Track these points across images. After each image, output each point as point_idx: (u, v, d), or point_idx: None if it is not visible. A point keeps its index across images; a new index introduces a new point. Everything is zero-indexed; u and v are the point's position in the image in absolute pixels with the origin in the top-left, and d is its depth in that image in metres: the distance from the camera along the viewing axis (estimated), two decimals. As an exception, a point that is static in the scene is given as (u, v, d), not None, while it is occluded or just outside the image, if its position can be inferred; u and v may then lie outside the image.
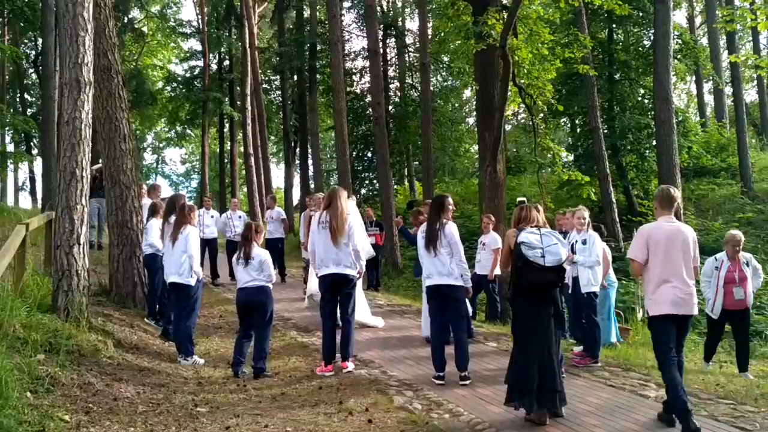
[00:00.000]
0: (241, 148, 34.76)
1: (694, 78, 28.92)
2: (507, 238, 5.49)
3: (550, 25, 14.04)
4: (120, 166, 9.31)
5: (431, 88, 21.90)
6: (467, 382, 6.43)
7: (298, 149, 32.45)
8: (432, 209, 6.69)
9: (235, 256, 7.14)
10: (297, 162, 33.07)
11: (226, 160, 37.36)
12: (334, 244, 6.87)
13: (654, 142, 18.90)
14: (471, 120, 36.22)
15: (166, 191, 33.41)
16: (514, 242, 5.29)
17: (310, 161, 30.82)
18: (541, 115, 15.56)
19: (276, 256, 13.89)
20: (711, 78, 25.49)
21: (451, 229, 6.60)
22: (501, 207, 11.68)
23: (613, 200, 16.98)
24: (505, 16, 11.09)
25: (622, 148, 18.92)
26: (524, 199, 6.92)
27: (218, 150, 40.16)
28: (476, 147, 38.33)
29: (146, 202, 10.13)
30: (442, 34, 18.47)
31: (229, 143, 35.60)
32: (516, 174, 26.32)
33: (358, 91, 30.16)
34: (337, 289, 6.99)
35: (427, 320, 8.43)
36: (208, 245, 13.42)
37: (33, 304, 6.91)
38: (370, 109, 29.10)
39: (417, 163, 31.37)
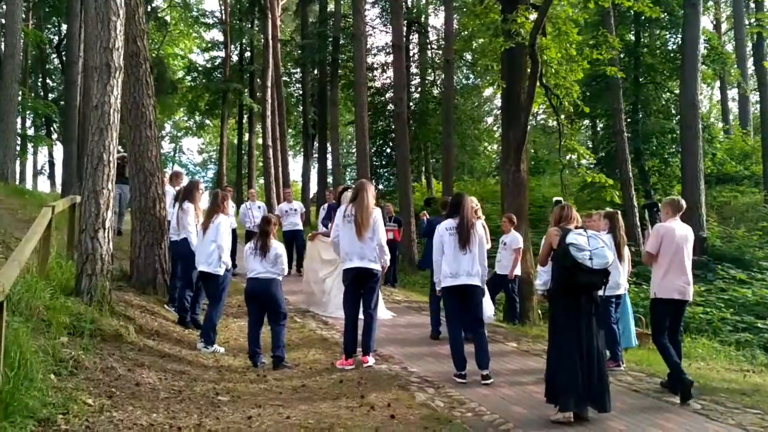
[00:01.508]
0: (259, 140, 34.90)
1: (718, 84, 28.59)
2: (548, 236, 5.44)
3: (577, 25, 13.89)
4: (145, 153, 9.31)
5: (453, 86, 21.76)
6: (489, 381, 6.38)
7: (315, 143, 32.43)
8: (463, 208, 6.63)
9: (250, 246, 7.13)
10: (315, 155, 33.06)
11: (243, 151, 37.40)
12: (359, 237, 6.83)
13: (677, 148, 18.73)
14: (490, 119, 36.19)
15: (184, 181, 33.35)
16: (557, 241, 5.24)
17: (328, 155, 30.75)
18: (563, 116, 15.41)
19: (298, 248, 13.90)
20: (736, 84, 25.20)
21: (482, 229, 6.59)
22: (524, 206, 11.59)
23: (635, 204, 16.82)
24: (535, 15, 11.00)
25: (645, 152, 18.73)
26: (561, 198, 6.85)
27: (236, 141, 40.30)
28: (495, 146, 38.27)
29: (168, 189, 10.13)
30: (469, 31, 18.34)
31: (247, 134, 35.64)
32: (534, 174, 26.19)
33: (378, 85, 30.02)
34: (360, 282, 6.95)
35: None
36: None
37: (57, 287, 6.93)
38: (390, 105, 29.08)
39: (434, 160, 31.31)
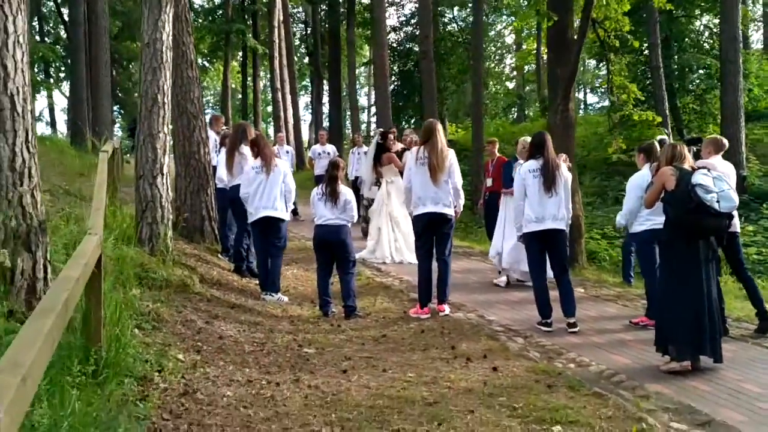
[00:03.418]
0: (263, 83, 34.02)
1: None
2: (661, 176, 5.06)
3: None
4: (187, 94, 8.88)
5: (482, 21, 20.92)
6: (576, 329, 6.12)
7: (325, 85, 31.60)
8: (546, 148, 6.26)
9: (317, 191, 6.78)
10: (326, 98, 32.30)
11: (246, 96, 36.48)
12: (434, 181, 6.47)
13: (712, 84, 18.17)
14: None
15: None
16: (673, 182, 4.88)
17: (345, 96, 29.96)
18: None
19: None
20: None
21: (567, 170, 6.24)
22: (572, 147, 11.16)
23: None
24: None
25: (680, 88, 18.15)
26: (665, 137, 6.44)
27: (240, 85, 39.21)
28: (509, 85, 37.46)
29: (210, 134, 9.70)
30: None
31: (251, 78, 34.60)
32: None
33: (394, 23, 29.08)
34: (434, 228, 6.62)
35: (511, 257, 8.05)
36: None
37: (118, 236, 6.62)
38: (408, 44, 28.25)
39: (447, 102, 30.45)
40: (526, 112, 37.41)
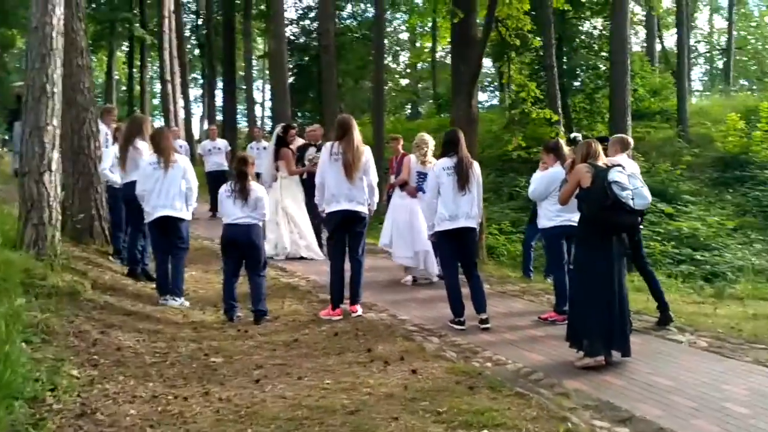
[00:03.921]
0: (150, 74, 32.43)
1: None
2: (576, 173, 5.08)
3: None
4: (77, 84, 8.22)
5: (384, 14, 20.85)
6: (488, 325, 6.11)
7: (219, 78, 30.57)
8: (459, 145, 6.24)
9: (226, 188, 6.43)
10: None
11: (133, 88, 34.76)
12: (348, 178, 6.26)
13: (600, 84, 18.96)
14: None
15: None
16: (588, 179, 4.91)
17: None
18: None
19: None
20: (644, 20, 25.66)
21: (478, 168, 6.31)
22: (475, 143, 11.26)
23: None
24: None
25: (570, 88, 18.84)
26: (578, 134, 6.52)
27: (125, 77, 37.24)
28: (403, 82, 37.75)
29: (100, 127, 9.04)
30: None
31: (138, 69, 32.96)
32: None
33: (294, 17, 28.58)
34: (347, 226, 6.41)
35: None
36: None
37: (-4, 239, 6.01)
38: (305, 38, 27.83)
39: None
40: (420, 109, 37.93)
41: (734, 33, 34.08)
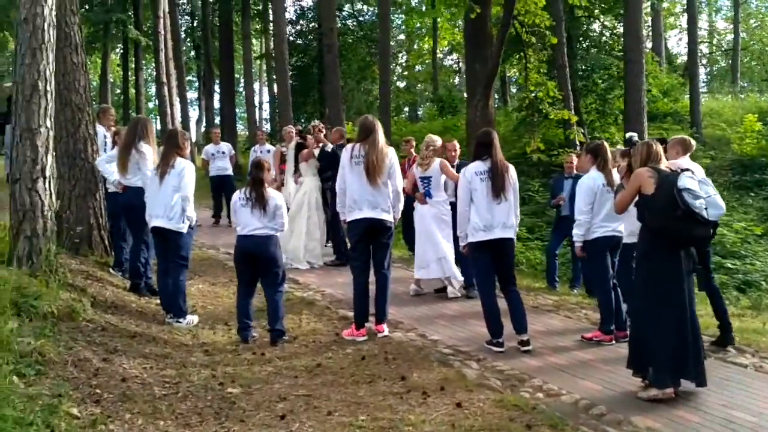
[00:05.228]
0: (145, 76, 31.71)
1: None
2: (636, 178, 4.50)
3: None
4: (71, 83, 7.64)
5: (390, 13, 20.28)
6: (530, 347, 5.55)
7: (216, 80, 29.96)
8: (494, 147, 5.67)
9: (240, 196, 5.82)
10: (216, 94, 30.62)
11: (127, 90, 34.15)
12: (371, 183, 5.69)
13: (614, 83, 18.43)
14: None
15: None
16: (651, 185, 4.33)
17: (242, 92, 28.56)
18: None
19: (228, 196, 12.46)
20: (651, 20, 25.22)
21: (515, 173, 5.76)
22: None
23: (577, 143, 16.42)
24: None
25: (584, 89, 18.29)
26: (635, 134, 5.92)
27: (120, 79, 36.55)
28: (400, 84, 37.16)
29: (98, 129, 8.44)
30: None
31: (133, 72, 32.34)
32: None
33: (293, 17, 28.05)
34: (372, 237, 5.82)
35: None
36: None
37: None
38: (304, 38, 27.28)
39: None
40: (418, 112, 37.40)
41: (740, 34, 33.61)
